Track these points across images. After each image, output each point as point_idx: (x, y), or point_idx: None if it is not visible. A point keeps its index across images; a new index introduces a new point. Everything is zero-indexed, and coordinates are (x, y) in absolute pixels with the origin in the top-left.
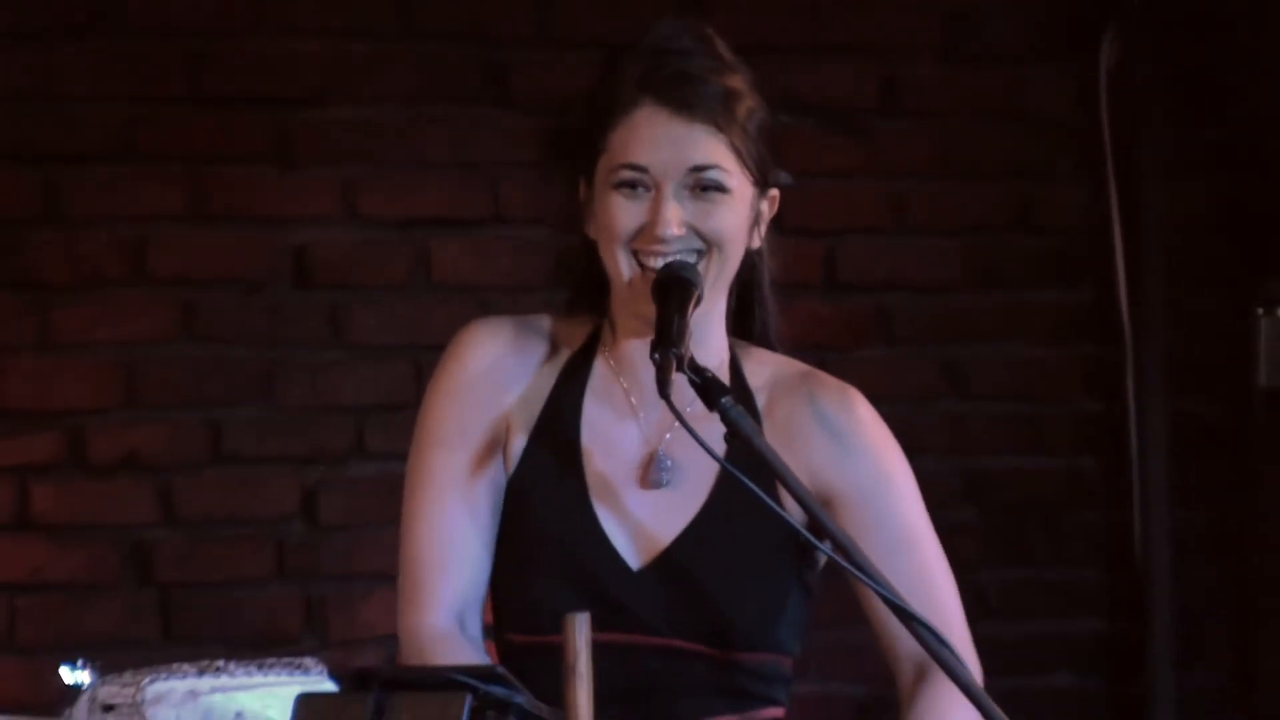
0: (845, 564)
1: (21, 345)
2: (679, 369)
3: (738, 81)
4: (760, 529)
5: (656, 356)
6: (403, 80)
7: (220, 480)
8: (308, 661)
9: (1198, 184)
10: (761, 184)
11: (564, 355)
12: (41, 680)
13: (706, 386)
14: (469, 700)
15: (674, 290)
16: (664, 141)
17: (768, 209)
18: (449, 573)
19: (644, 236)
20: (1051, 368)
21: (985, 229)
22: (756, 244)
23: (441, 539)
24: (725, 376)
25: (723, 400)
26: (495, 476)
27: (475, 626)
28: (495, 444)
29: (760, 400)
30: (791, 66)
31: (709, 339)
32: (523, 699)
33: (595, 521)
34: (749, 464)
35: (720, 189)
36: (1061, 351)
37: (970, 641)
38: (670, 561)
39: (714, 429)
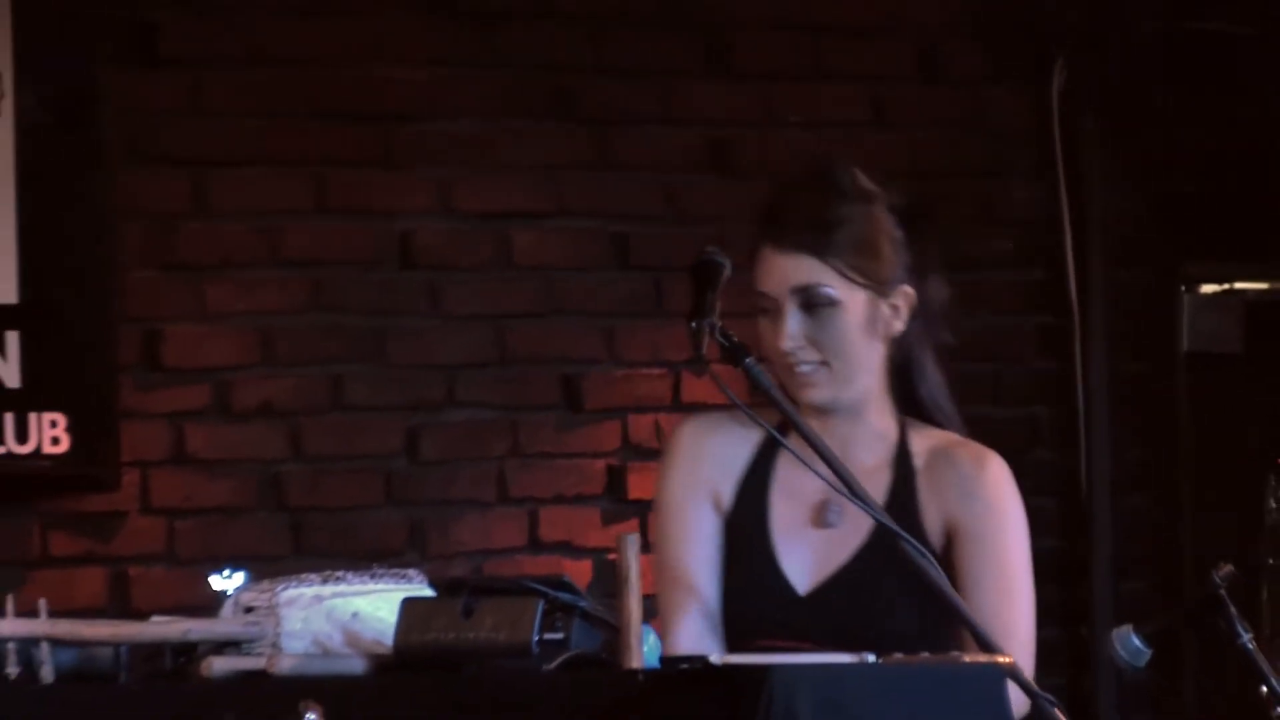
0: (937, 584)
1: (178, 315)
2: (711, 335)
3: (839, 206)
4: (907, 559)
5: (694, 325)
6: (487, 99)
7: (339, 424)
8: (410, 572)
9: (1132, 185)
10: (877, 287)
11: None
12: (194, 587)
13: (733, 349)
14: (540, 604)
15: (705, 272)
16: (774, 271)
17: (903, 302)
18: (699, 603)
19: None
20: (1011, 334)
21: (957, 222)
22: (896, 332)
23: (690, 581)
24: (892, 448)
25: (745, 360)
26: (719, 525)
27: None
28: (718, 502)
29: (919, 462)
30: (798, 90)
31: (868, 420)
32: (586, 604)
33: (774, 557)
34: (900, 512)
35: (827, 303)
36: (1020, 321)
37: (1032, 653)
38: (831, 588)
39: (879, 480)
